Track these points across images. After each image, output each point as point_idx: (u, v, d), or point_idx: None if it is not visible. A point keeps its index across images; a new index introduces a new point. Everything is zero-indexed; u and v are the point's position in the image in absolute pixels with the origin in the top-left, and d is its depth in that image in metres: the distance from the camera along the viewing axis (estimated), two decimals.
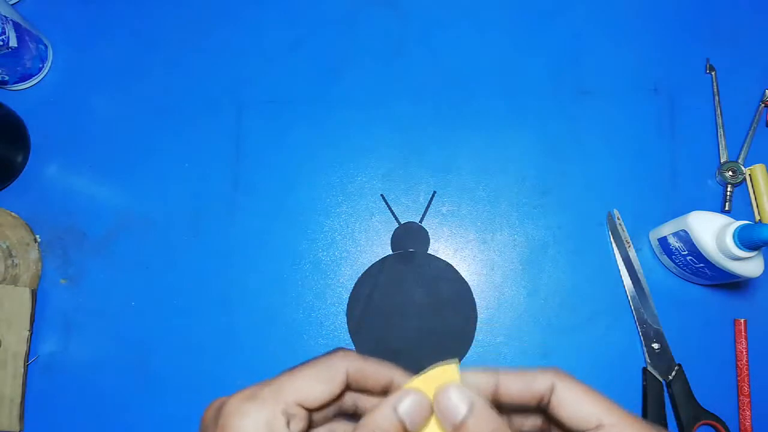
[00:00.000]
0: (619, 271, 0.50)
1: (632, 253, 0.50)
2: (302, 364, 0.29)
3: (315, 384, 0.28)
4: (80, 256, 0.53)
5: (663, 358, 0.48)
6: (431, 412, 0.29)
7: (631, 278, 0.50)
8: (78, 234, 0.53)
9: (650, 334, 0.48)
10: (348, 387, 0.31)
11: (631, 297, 0.49)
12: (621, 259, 0.50)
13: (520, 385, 0.30)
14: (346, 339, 0.50)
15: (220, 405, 0.27)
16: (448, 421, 0.27)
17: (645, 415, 0.47)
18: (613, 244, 0.50)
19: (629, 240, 0.50)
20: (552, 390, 0.29)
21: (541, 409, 0.30)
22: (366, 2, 0.57)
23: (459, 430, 0.27)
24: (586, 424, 0.28)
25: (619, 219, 0.50)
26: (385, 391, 0.32)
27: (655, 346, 0.48)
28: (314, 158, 0.54)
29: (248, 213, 0.53)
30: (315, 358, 0.30)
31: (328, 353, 0.30)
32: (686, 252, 0.46)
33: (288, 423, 0.27)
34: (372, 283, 0.51)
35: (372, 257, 0.52)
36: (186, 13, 0.57)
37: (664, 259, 0.50)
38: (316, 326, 0.51)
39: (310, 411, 0.29)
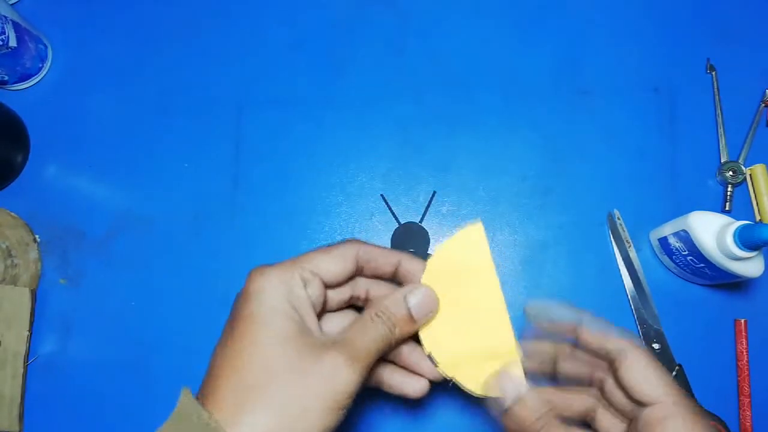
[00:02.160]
0: (620, 271, 0.50)
1: (632, 253, 0.50)
2: (316, 248, 0.33)
3: (329, 260, 0.32)
4: (80, 256, 0.53)
5: (663, 359, 0.48)
6: (437, 308, 0.33)
7: (631, 278, 0.49)
8: (77, 234, 0.53)
9: (650, 334, 0.48)
10: (360, 272, 0.34)
11: (631, 297, 0.49)
12: (621, 259, 0.50)
13: (595, 340, 0.34)
14: None
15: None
16: (498, 404, 0.33)
17: None
18: (614, 244, 0.50)
19: (629, 240, 0.50)
20: (623, 355, 0.32)
21: (612, 369, 0.33)
22: (366, 2, 0.57)
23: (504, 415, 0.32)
24: (647, 397, 0.31)
25: (619, 219, 0.50)
26: (394, 277, 0.35)
27: (656, 346, 0.48)
28: (314, 158, 0.54)
29: (248, 213, 0.53)
30: (328, 245, 0.33)
31: (340, 241, 0.34)
32: (686, 252, 0.46)
33: (305, 286, 0.31)
34: None
35: None
36: (186, 13, 0.57)
37: (665, 259, 0.49)
38: None
39: (326, 286, 0.33)
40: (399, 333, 0.32)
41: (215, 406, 0.27)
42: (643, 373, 0.31)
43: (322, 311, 0.34)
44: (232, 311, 0.31)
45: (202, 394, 0.29)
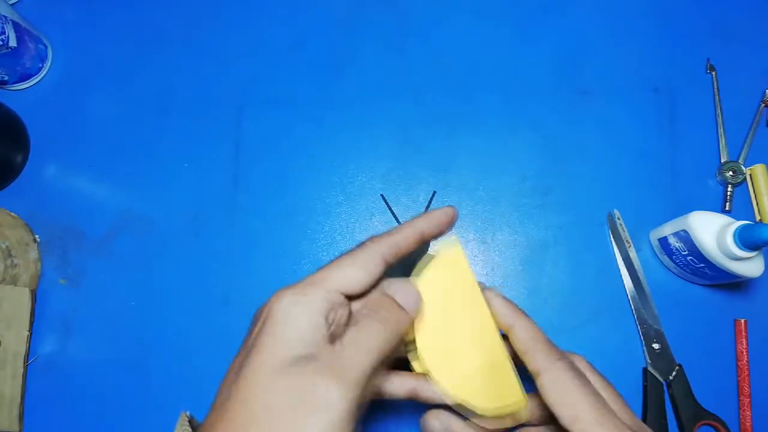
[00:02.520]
0: (620, 271, 0.50)
1: (632, 253, 0.50)
2: (340, 256, 0.31)
3: (354, 271, 0.30)
4: (80, 256, 0.53)
5: (663, 359, 0.48)
6: (420, 298, 0.33)
7: (631, 278, 0.49)
8: (77, 234, 0.53)
9: (650, 334, 0.48)
10: (389, 265, 0.33)
11: (631, 297, 0.49)
12: (621, 259, 0.50)
13: (522, 348, 0.34)
14: None
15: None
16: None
17: (645, 414, 0.47)
18: (614, 244, 0.50)
19: (629, 240, 0.50)
20: (539, 376, 0.32)
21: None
22: (366, 2, 0.57)
23: None
24: (566, 417, 0.29)
25: (619, 219, 0.50)
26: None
27: (656, 346, 0.48)
28: (314, 158, 0.54)
29: (248, 213, 0.53)
30: (351, 250, 0.32)
31: (362, 243, 0.32)
32: (686, 252, 0.46)
33: (328, 312, 0.29)
34: None
35: None
36: (186, 13, 0.57)
37: (665, 259, 0.49)
38: None
39: (352, 298, 0.31)
40: (394, 328, 0.30)
41: None
42: (559, 393, 0.31)
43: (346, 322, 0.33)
44: (249, 335, 0.29)
45: (208, 422, 0.27)
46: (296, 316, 0.28)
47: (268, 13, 0.57)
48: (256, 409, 0.26)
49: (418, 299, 0.32)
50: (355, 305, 0.32)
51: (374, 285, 0.32)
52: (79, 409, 0.50)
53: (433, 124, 0.54)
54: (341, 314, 0.30)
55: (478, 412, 0.33)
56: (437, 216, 0.34)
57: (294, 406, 0.26)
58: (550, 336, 0.50)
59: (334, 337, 0.30)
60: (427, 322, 0.33)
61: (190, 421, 0.27)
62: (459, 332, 0.34)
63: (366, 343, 0.29)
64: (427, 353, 0.33)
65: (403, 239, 0.33)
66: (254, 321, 0.30)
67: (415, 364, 0.34)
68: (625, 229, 0.50)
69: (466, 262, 0.34)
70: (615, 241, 0.50)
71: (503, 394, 0.33)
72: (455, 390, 0.33)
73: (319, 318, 0.28)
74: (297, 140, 0.54)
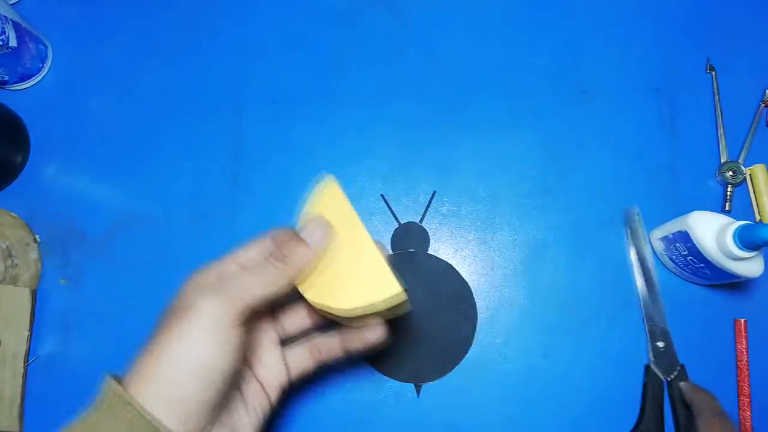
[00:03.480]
0: (631, 268, 0.50)
1: (647, 250, 0.49)
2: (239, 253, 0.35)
3: (269, 292, 0.33)
4: (80, 256, 0.53)
5: (667, 357, 0.48)
6: (329, 233, 0.35)
7: (644, 275, 0.49)
8: (78, 234, 0.53)
9: (656, 332, 0.48)
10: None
11: (642, 295, 0.49)
12: (636, 256, 0.50)
13: None
14: None
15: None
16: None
17: (643, 411, 0.47)
18: (630, 240, 0.50)
19: (645, 236, 0.50)
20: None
21: None
22: (366, 2, 0.57)
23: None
24: None
25: (638, 215, 0.50)
26: None
27: (660, 344, 0.48)
28: (314, 158, 0.54)
29: (248, 213, 0.53)
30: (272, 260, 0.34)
31: (284, 256, 0.34)
32: (686, 252, 0.46)
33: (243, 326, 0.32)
34: None
35: None
36: (186, 13, 0.57)
37: (665, 259, 0.49)
38: None
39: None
40: (294, 263, 0.33)
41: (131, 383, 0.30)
42: None
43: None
44: (166, 316, 0.33)
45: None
46: (210, 317, 0.31)
47: (268, 13, 0.57)
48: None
49: (325, 232, 0.35)
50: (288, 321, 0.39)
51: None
52: (80, 409, 0.50)
53: (433, 124, 0.54)
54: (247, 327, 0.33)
55: (343, 314, 0.34)
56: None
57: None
58: (550, 336, 0.50)
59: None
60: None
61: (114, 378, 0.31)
62: (339, 254, 0.35)
63: (260, 282, 0.32)
64: (314, 290, 0.35)
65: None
66: (172, 305, 0.33)
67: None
68: (642, 224, 0.50)
69: (342, 193, 0.36)
70: (632, 237, 0.50)
71: (381, 290, 0.34)
72: (322, 297, 0.34)
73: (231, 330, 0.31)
74: (297, 140, 0.54)
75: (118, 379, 0.30)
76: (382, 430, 0.48)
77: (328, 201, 0.36)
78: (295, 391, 0.49)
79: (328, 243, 0.35)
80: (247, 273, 0.33)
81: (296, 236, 0.34)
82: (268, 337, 0.38)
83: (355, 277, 0.34)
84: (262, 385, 0.37)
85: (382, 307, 0.33)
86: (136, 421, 0.28)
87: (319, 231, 0.35)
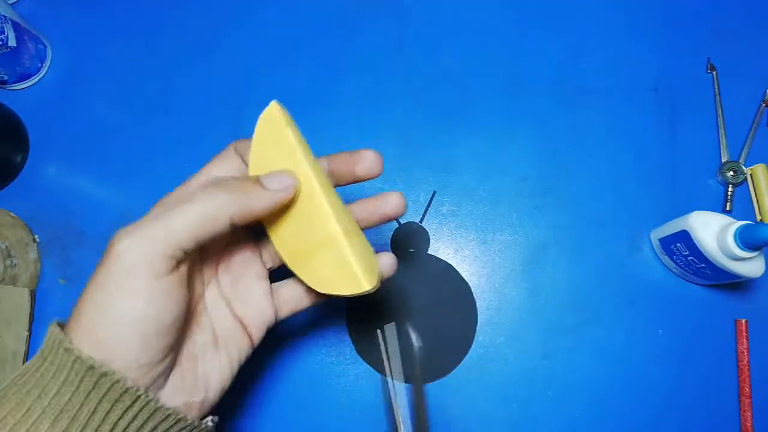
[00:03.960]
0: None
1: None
2: (196, 193, 0.29)
3: (198, 225, 0.28)
4: (79, 256, 0.53)
5: None
6: (295, 182, 0.30)
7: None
8: (77, 234, 0.53)
9: None
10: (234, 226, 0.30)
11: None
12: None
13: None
14: (345, 339, 0.50)
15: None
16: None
17: None
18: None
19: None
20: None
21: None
22: (366, 2, 0.57)
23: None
24: None
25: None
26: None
27: None
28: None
29: None
30: (207, 185, 0.30)
31: (218, 182, 0.30)
32: (687, 252, 0.45)
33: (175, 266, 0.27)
34: None
35: None
36: (185, 13, 0.57)
37: (665, 259, 0.49)
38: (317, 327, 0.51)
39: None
40: (252, 201, 0.28)
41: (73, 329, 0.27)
42: None
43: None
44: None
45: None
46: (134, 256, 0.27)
47: (267, 13, 0.57)
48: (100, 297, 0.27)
49: (290, 187, 0.30)
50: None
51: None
52: None
53: (433, 124, 0.54)
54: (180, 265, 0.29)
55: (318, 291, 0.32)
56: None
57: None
58: (550, 337, 0.50)
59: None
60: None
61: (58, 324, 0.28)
62: (297, 214, 0.31)
63: (195, 216, 0.27)
64: (274, 229, 0.32)
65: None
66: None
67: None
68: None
69: (284, 123, 0.31)
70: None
71: (347, 285, 0.31)
72: (297, 269, 0.32)
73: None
74: None
75: (62, 325, 0.28)
76: (382, 430, 0.48)
77: (274, 132, 0.32)
78: (294, 394, 0.49)
79: (288, 197, 0.30)
80: (182, 205, 0.27)
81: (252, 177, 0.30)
82: (250, 269, 0.34)
83: (318, 256, 0.31)
84: (242, 323, 0.33)
85: (349, 294, 0.31)
86: (76, 365, 0.25)
87: (282, 180, 0.30)
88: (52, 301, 0.52)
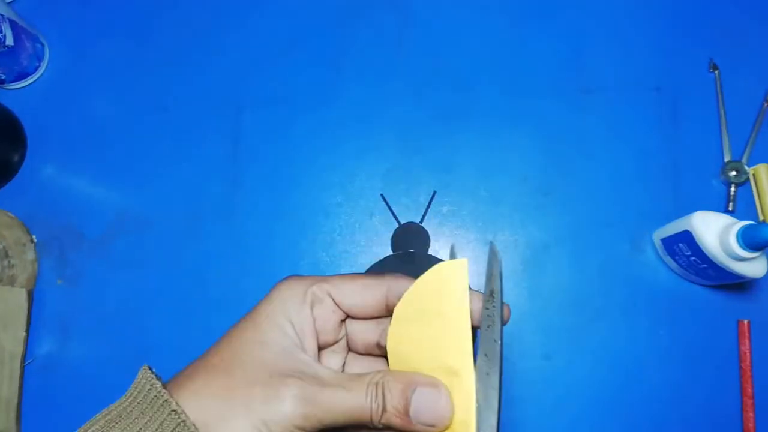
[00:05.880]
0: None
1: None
2: (361, 274, 0.31)
3: (352, 285, 0.30)
4: (77, 256, 0.52)
5: None
6: (449, 415, 0.28)
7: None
8: (75, 234, 0.53)
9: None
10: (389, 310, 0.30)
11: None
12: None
13: None
14: None
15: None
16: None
17: None
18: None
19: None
20: None
21: None
22: (366, 2, 0.56)
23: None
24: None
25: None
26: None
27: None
28: (314, 158, 0.53)
29: (248, 213, 0.53)
30: (370, 276, 0.31)
31: (383, 273, 0.31)
32: (689, 252, 0.45)
33: (312, 305, 0.29)
34: None
35: (372, 257, 0.51)
36: (184, 13, 0.57)
37: (668, 259, 0.49)
38: None
39: (349, 316, 0.31)
40: (384, 420, 0.28)
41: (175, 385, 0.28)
42: None
43: (348, 349, 0.32)
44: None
45: (190, 366, 0.29)
46: (287, 300, 0.29)
47: (267, 13, 0.57)
48: (220, 367, 0.28)
49: (440, 415, 0.28)
50: (359, 331, 0.31)
51: (376, 316, 0.31)
52: (77, 410, 0.50)
53: (433, 123, 0.54)
54: (326, 318, 0.30)
55: None
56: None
57: (251, 384, 0.27)
58: (551, 337, 0.50)
59: (325, 344, 0.31)
60: (402, 331, 0.30)
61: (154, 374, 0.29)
62: (433, 354, 0.30)
63: (351, 398, 0.27)
64: (393, 357, 0.30)
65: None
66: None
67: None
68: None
69: (466, 285, 0.30)
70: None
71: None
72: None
73: (305, 308, 0.29)
74: (296, 140, 0.54)
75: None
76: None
77: (450, 283, 0.30)
78: None
79: (437, 429, 0.28)
80: (337, 390, 0.27)
81: (406, 384, 0.28)
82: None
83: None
84: None
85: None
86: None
87: (434, 407, 0.28)
88: (50, 302, 0.52)
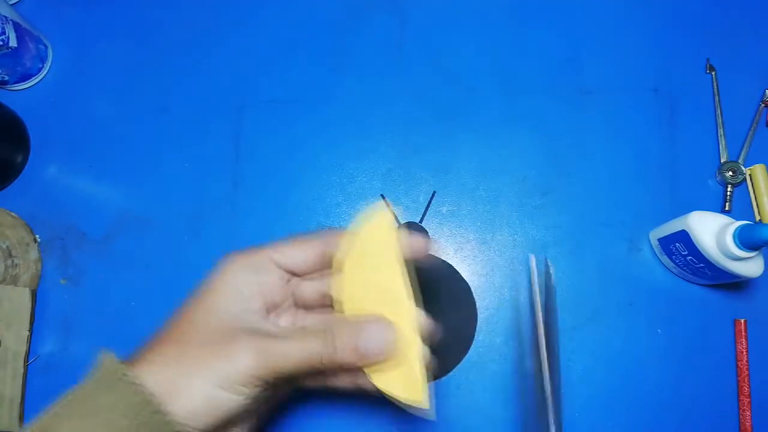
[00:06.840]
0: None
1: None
2: (296, 236, 0.34)
3: (291, 247, 0.33)
4: (80, 256, 0.53)
5: None
6: (393, 349, 0.31)
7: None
8: (78, 234, 0.53)
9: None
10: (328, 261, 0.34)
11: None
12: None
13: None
14: None
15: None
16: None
17: None
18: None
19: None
20: None
21: None
22: (366, 2, 0.57)
23: None
24: None
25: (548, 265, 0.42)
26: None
27: None
28: (314, 158, 0.54)
29: (248, 213, 0.53)
30: (307, 234, 0.34)
31: (315, 231, 0.35)
32: (686, 252, 0.46)
33: (257, 272, 0.32)
34: None
35: None
36: (185, 14, 0.57)
37: (664, 259, 0.49)
38: None
39: (295, 274, 0.34)
40: (338, 359, 0.30)
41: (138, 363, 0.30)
42: None
43: (297, 305, 0.35)
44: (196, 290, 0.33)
45: (146, 344, 0.32)
46: (235, 271, 0.32)
47: (267, 13, 0.57)
48: (176, 338, 0.31)
49: (384, 349, 0.31)
50: (306, 287, 0.34)
51: (316, 270, 0.34)
52: None
53: (432, 124, 0.54)
54: (271, 281, 0.33)
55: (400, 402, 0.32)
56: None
57: (206, 344, 0.30)
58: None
59: (273, 306, 0.33)
60: (347, 278, 0.33)
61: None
62: (376, 303, 0.33)
63: (297, 355, 0.30)
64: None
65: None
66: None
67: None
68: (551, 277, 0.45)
69: (394, 233, 0.34)
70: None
71: (407, 391, 0.31)
72: (376, 379, 0.32)
73: (252, 276, 0.32)
74: (296, 140, 0.54)
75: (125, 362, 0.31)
76: (383, 431, 0.48)
77: (380, 232, 0.33)
78: (296, 401, 0.49)
79: (384, 357, 0.31)
80: (288, 341, 0.30)
81: (352, 325, 0.31)
82: None
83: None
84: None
85: (400, 401, 0.31)
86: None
87: (380, 339, 0.30)
88: (53, 302, 0.52)
